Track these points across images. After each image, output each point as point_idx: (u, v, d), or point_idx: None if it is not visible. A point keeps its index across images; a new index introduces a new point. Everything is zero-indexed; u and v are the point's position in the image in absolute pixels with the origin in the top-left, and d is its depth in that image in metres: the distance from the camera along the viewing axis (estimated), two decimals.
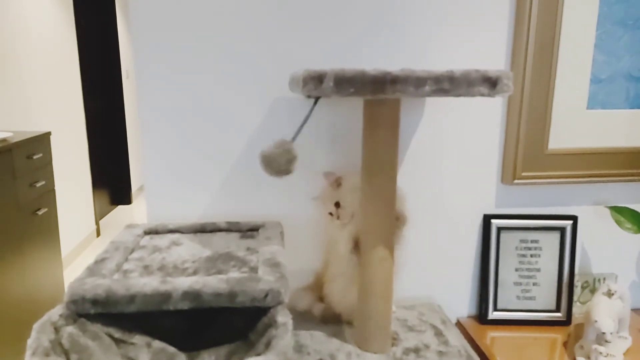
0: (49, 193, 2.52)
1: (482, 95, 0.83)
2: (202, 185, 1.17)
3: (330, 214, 1.08)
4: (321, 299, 1.15)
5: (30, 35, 2.93)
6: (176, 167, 1.16)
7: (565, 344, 1.17)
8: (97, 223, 4.03)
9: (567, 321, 1.25)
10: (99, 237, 4.04)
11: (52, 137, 2.56)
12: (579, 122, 1.22)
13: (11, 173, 2.13)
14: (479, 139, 1.22)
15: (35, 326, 0.73)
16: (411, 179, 1.21)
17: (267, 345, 0.75)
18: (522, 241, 1.25)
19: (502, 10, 1.16)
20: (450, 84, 0.81)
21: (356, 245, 1.05)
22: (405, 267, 1.22)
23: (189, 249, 1.00)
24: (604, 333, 1.05)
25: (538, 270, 1.25)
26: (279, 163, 0.85)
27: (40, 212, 2.39)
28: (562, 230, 1.24)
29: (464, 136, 1.21)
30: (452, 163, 1.22)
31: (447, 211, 1.24)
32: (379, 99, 0.93)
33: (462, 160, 1.22)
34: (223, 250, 1.00)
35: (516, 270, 1.25)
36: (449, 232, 1.26)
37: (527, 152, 1.20)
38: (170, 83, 1.12)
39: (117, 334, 0.81)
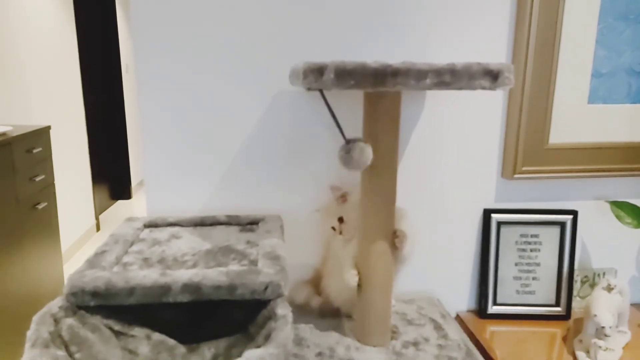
0: (49, 187, 2.52)
1: (484, 88, 0.83)
2: (202, 179, 1.17)
3: (333, 228, 1.07)
4: (320, 292, 1.15)
5: (29, 29, 2.92)
6: (176, 161, 1.16)
7: (564, 339, 1.18)
8: (97, 218, 4.03)
9: (566, 316, 1.25)
10: (99, 231, 4.04)
11: (51, 132, 2.56)
12: (579, 116, 1.21)
13: (11, 167, 2.13)
14: (480, 133, 1.21)
15: (35, 318, 0.73)
16: (411, 173, 1.21)
17: (267, 338, 0.75)
18: (522, 236, 1.25)
19: (503, 4, 1.15)
20: (451, 77, 0.81)
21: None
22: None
23: (188, 242, 1.00)
24: (603, 327, 1.06)
25: (538, 264, 1.25)
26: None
27: (40, 207, 2.39)
28: (562, 225, 1.24)
29: (464, 130, 1.21)
30: (453, 157, 1.22)
31: (447, 205, 1.24)
32: (380, 91, 0.93)
33: (463, 154, 1.22)
34: (223, 243, 0.99)
35: (516, 264, 1.25)
36: (448, 226, 1.26)
37: (528, 146, 1.20)
38: (170, 77, 1.11)
39: (117, 326, 0.81)
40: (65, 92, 3.45)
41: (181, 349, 0.85)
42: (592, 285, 1.31)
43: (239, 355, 0.67)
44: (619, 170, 1.24)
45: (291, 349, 1.01)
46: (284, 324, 0.75)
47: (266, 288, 0.80)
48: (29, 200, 2.30)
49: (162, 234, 1.05)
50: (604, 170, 1.24)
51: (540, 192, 1.26)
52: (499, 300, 1.26)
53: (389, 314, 1.05)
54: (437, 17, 1.14)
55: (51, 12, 3.21)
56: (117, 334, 0.81)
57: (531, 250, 1.25)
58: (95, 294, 0.78)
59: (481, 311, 1.26)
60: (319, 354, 1.00)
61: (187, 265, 0.88)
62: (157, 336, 0.84)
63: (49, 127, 2.50)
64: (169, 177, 1.16)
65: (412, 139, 1.20)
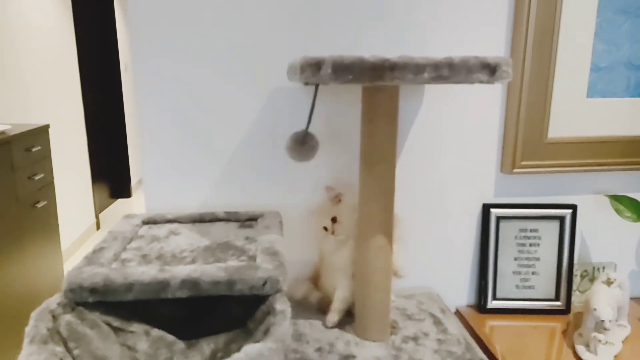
0: (48, 186, 2.52)
1: (481, 82, 0.83)
2: (200, 176, 1.17)
3: (325, 228, 1.06)
4: (318, 288, 1.15)
5: (28, 28, 2.91)
6: (174, 159, 1.16)
7: (564, 333, 1.17)
8: (96, 216, 4.03)
9: (566, 310, 1.25)
10: (99, 230, 4.04)
11: (51, 131, 2.55)
12: (578, 110, 1.21)
13: (10, 165, 2.13)
14: (478, 128, 1.21)
15: (33, 314, 0.73)
16: (410, 168, 1.21)
17: (266, 333, 0.74)
18: (521, 230, 1.25)
19: None
20: (449, 71, 0.80)
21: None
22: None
23: (187, 239, 1.00)
24: (602, 321, 1.05)
25: (537, 259, 1.25)
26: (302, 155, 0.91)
27: (39, 205, 2.39)
28: (561, 219, 1.24)
29: (463, 125, 1.20)
30: (451, 152, 1.22)
31: (446, 200, 1.24)
32: (378, 86, 0.93)
33: (461, 149, 1.22)
34: (222, 239, 0.99)
35: (515, 259, 1.25)
36: (448, 221, 1.26)
37: (527, 141, 1.20)
38: (168, 73, 1.11)
39: (116, 323, 0.81)
40: (64, 91, 3.45)
41: (180, 344, 0.85)
42: (592, 280, 1.31)
43: (238, 350, 0.67)
44: (618, 164, 1.24)
45: (290, 343, 1.01)
46: (283, 319, 0.75)
47: (265, 283, 0.80)
48: (29, 199, 2.30)
49: (161, 230, 1.05)
50: (603, 164, 1.24)
51: (540, 186, 1.26)
52: (498, 295, 1.26)
53: (388, 309, 1.05)
54: (435, 12, 1.13)
55: (50, 12, 3.20)
56: (116, 330, 0.81)
57: (530, 245, 1.25)
58: (93, 290, 0.78)
59: (481, 306, 1.26)
60: (319, 349, 1.00)
61: (185, 261, 0.88)
62: (156, 332, 0.84)
63: (47, 126, 2.50)
64: (167, 175, 1.16)
65: (410, 134, 1.20)
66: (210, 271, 0.80)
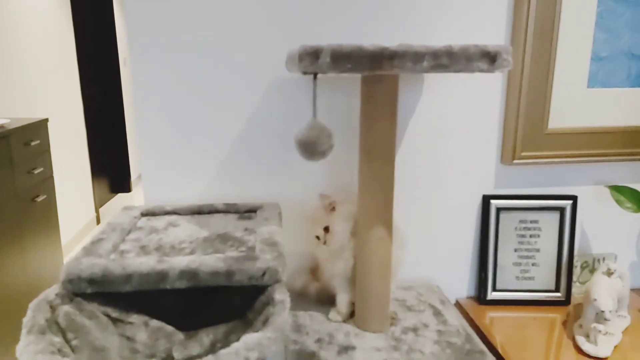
0: (48, 180, 2.51)
1: (481, 70, 0.82)
2: (199, 169, 1.16)
3: (317, 237, 1.02)
4: (317, 279, 1.15)
5: (26, 23, 2.90)
6: (173, 152, 1.15)
7: (564, 324, 1.17)
8: (96, 211, 4.03)
9: (566, 301, 1.25)
10: (99, 224, 4.04)
11: (50, 125, 2.54)
12: (579, 101, 1.20)
13: (9, 159, 2.12)
14: (478, 119, 1.20)
15: (31, 305, 0.72)
16: (409, 160, 1.21)
17: (265, 323, 0.74)
18: (521, 221, 1.24)
19: None
20: (448, 59, 0.80)
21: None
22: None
23: (186, 230, 0.99)
24: (603, 311, 1.05)
25: (537, 250, 1.25)
26: (321, 142, 0.83)
27: (39, 199, 2.39)
28: (561, 210, 1.23)
29: (463, 116, 1.20)
30: (451, 143, 1.21)
31: (446, 192, 1.24)
32: (377, 75, 0.92)
33: (461, 140, 1.21)
34: (221, 230, 0.99)
35: (515, 250, 1.25)
36: (447, 212, 1.25)
37: (527, 131, 1.19)
38: (165, 66, 1.10)
39: (114, 314, 0.81)
40: (63, 86, 3.43)
41: (179, 335, 0.85)
42: (592, 271, 1.30)
43: (238, 340, 0.66)
44: (619, 154, 1.23)
45: (289, 333, 1.01)
46: (282, 308, 0.74)
47: (264, 274, 0.80)
48: (28, 193, 2.30)
49: (160, 222, 1.05)
50: (603, 155, 1.23)
51: (540, 177, 1.25)
52: (498, 287, 1.26)
53: (388, 300, 1.04)
54: (435, 0, 1.12)
55: (48, 6, 3.18)
56: (115, 321, 0.81)
57: (531, 236, 1.25)
58: (91, 281, 0.77)
59: (480, 297, 1.26)
60: (318, 340, 1.00)
61: (184, 252, 0.88)
62: (155, 323, 0.84)
63: (46, 120, 2.49)
64: (166, 168, 1.16)
65: (410, 125, 1.19)
66: (209, 262, 0.80)
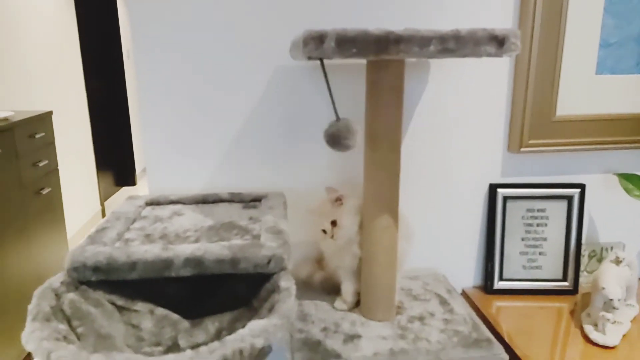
0: (53, 173, 2.51)
1: (489, 55, 0.81)
2: (204, 159, 1.16)
3: (324, 231, 1.01)
4: (322, 268, 1.15)
5: (30, 15, 2.89)
6: (177, 141, 1.14)
7: (572, 313, 1.16)
8: (102, 204, 4.04)
9: (574, 290, 1.24)
10: (104, 218, 4.05)
11: (54, 118, 2.54)
12: (587, 87, 1.19)
13: (14, 152, 2.12)
14: (485, 106, 1.19)
15: (36, 292, 0.72)
16: (415, 148, 1.19)
17: (270, 311, 0.74)
18: (528, 210, 1.23)
19: None
20: (456, 44, 0.78)
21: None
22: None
23: (191, 219, 0.99)
24: (611, 300, 1.04)
25: (545, 239, 1.24)
26: (345, 135, 0.86)
27: (44, 192, 2.39)
28: (569, 198, 1.22)
29: (469, 104, 1.18)
30: (457, 132, 1.20)
31: (452, 181, 1.23)
32: (382, 61, 0.91)
33: (467, 128, 1.20)
34: (225, 219, 0.98)
35: (522, 239, 1.24)
36: (454, 201, 1.24)
37: (535, 119, 1.18)
38: (169, 55, 1.09)
39: (120, 301, 0.81)
40: (67, 79, 3.43)
41: (185, 323, 0.84)
42: (600, 260, 1.29)
43: (243, 328, 0.66)
44: (628, 142, 1.22)
45: (295, 320, 1.01)
46: (288, 296, 0.74)
47: (269, 261, 0.79)
48: (33, 186, 2.30)
49: (164, 211, 1.04)
50: (612, 143, 1.21)
51: (547, 165, 1.24)
52: (505, 276, 1.25)
53: (393, 289, 1.04)
54: None
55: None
56: (120, 309, 0.81)
57: (538, 225, 1.23)
58: (96, 268, 0.77)
59: (487, 287, 1.25)
60: (324, 329, 1.00)
61: (189, 240, 0.87)
62: (160, 311, 0.83)
63: (50, 112, 2.49)
64: (170, 158, 1.15)
65: (416, 113, 1.18)
66: (214, 249, 0.80)
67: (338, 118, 0.88)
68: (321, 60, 0.81)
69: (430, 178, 1.22)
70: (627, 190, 1.20)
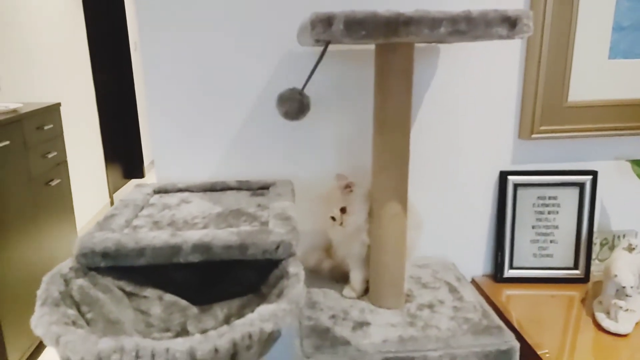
0: (62, 164, 2.52)
1: (501, 36, 0.79)
2: (211, 147, 1.15)
3: (333, 218, 0.99)
4: (331, 256, 1.14)
5: (37, 7, 2.89)
6: (185, 131, 1.14)
7: (583, 301, 1.15)
8: (110, 196, 4.06)
9: (585, 279, 1.22)
10: (113, 206, 4.07)
11: (62, 111, 2.55)
12: (600, 72, 1.17)
13: (22, 143, 2.13)
14: (495, 92, 1.17)
15: (45, 278, 0.72)
16: (425, 134, 1.18)
17: (279, 296, 0.73)
18: (539, 198, 1.21)
19: None
20: (467, 25, 0.77)
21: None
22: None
23: (199, 206, 0.99)
24: (624, 287, 1.03)
25: (556, 227, 1.22)
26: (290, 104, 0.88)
27: (53, 183, 2.40)
28: (581, 186, 1.20)
29: (479, 90, 1.17)
30: (467, 118, 1.18)
31: (461, 168, 1.21)
32: (392, 44, 0.89)
33: (478, 114, 1.18)
34: (233, 207, 0.98)
35: (533, 227, 1.23)
36: (463, 189, 1.23)
37: (546, 104, 1.16)
38: (176, 42, 1.08)
39: (129, 288, 0.81)
40: (75, 72, 3.44)
41: (194, 309, 0.84)
42: (612, 248, 1.27)
43: None
44: None
45: (303, 308, 1.01)
46: (297, 281, 0.73)
47: (278, 247, 0.79)
48: (43, 177, 2.31)
49: (172, 199, 1.04)
50: (625, 129, 1.19)
51: (559, 152, 1.22)
52: (515, 264, 1.24)
53: (402, 276, 1.03)
54: None
55: None
56: (129, 295, 0.81)
57: (549, 213, 1.22)
58: (105, 254, 0.77)
59: (497, 275, 1.24)
60: (333, 317, 0.99)
61: (197, 227, 0.87)
62: (169, 297, 0.83)
63: (59, 104, 2.50)
64: (178, 147, 1.15)
65: (425, 99, 1.16)
66: (222, 235, 0.79)
67: (302, 91, 0.90)
68: (327, 44, 0.80)
69: (440, 165, 1.21)
70: None
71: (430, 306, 1.03)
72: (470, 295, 1.07)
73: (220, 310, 0.84)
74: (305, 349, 0.89)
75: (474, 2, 1.10)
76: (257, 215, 0.92)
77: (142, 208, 0.98)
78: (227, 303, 0.84)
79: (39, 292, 0.69)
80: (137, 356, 0.56)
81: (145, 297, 0.81)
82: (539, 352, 0.98)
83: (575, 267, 1.23)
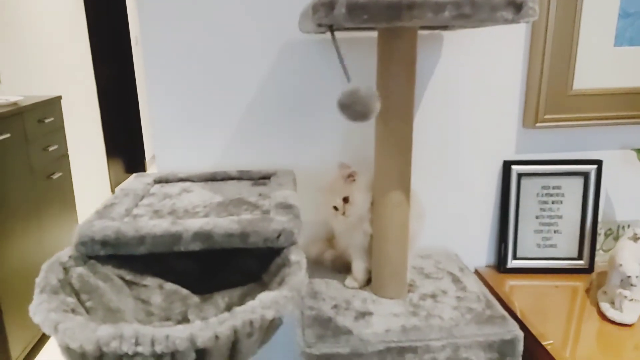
0: (63, 158, 2.52)
1: (506, 20, 0.78)
2: (212, 137, 1.14)
3: (335, 208, 0.99)
4: (333, 247, 1.13)
5: (38, 1, 2.88)
6: (186, 121, 1.13)
7: (587, 292, 1.14)
8: (112, 191, 4.06)
9: (589, 269, 1.21)
10: (112, 195, 4.07)
11: (64, 104, 2.54)
12: (605, 60, 1.15)
13: (23, 136, 2.12)
14: (499, 80, 1.16)
15: (44, 266, 0.71)
16: (427, 123, 1.17)
17: (281, 284, 0.72)
18: (543, 187, 1.20)
19: None
20: (471, 9, 0.75)
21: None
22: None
23: (200, 196, 0.98)
24: (629, 277, 1.02)
25: (560, 217, 1.21)
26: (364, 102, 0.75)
27: (54, 177, 2.39)
28: (585, 175, 1.19)
29: (483, 78, 1.15)
30: (471, 106, 1.17)
31: (465, 157, 1.20)
32: (395, 29, 0.88)
33: (481, 103, 1.17)
34: (235, 196, 0.97)
35: (537, 217, 1.21)
36: (466, 179, 1.22)
37: (551, 93, 1.14)
38: (176, 34, 1.07)
39: (129, 276, 0.80)
40: (76, 66, 3.43)
41: (195, 298, 0.84)
42: (616, 238, 1.26)
43: None
44: None
45: (305, 297, 1.00)
46: (298, 269, 0.72)
47: (279, 235, 0.78)
48: (44, 170, 2.30)
49: (173, 188, 1.03)
50: (630, 117, 1.18)
51: (563, 141, 1.21)
52: (519, 254, 1.23)
53: (405, 266, 1.02)
54: None
55: None
56: (129, 283, 0.80)
57: (553, 203, 1.21)
58: (105, 243, 0.76)
59: (500, 266, 1.23)
60: (335, 307, 0.98)
61: (198, 216, 0.86)
62: (169, 286, 0.83)
63: (59, 97, 2.49)
64: (178, 138, 1.14)
65: (428, 87, 1.15)
66: (223, 224, 0.78)
67: (349, 79, 0.77)
68: (331, 29, 0.79)
69: (443, 154, 1.19)
70: None
71: (433, 296, 1.02)
72: (474, 286, 1.06)
73: (221, 299, 0.83)
74: (307, 338, 0.89)
75: None
76: (258, 204, 0.92)
77: (143, 197, 0.97)
78: (229, 292, 0.84)
79: (37, 280, 0.69)
80: (136, 343, 0.55)
81: (145, 286, 0.81)
82: (543, 343, 0.97)
83: (580, 257, 1.22)
